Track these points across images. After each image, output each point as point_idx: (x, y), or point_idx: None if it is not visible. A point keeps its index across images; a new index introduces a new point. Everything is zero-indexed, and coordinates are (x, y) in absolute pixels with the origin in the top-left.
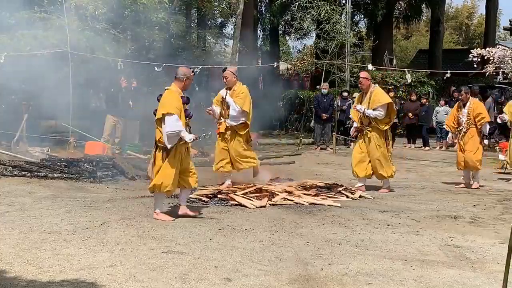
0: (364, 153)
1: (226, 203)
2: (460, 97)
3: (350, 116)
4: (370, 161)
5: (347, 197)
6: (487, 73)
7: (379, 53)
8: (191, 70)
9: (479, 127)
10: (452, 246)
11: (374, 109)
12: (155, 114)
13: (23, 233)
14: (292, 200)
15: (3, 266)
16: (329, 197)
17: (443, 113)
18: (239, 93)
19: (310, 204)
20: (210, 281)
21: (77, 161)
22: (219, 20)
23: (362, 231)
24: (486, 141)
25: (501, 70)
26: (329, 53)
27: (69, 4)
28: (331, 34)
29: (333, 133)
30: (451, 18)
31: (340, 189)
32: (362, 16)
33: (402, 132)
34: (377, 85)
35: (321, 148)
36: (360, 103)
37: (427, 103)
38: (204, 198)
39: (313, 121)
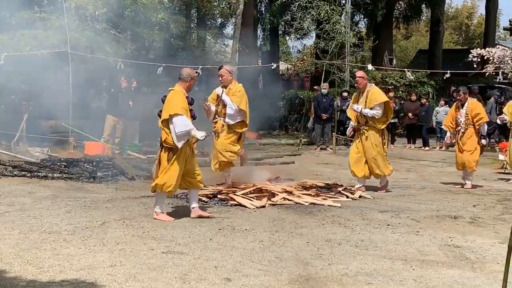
0: (360, 153)
1: (226, 203)
2: (458, 97)
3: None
4: (366, 161)
5: (347, 197)
6: (487, 73)
7: (379, 53)
8: (195, 70)
9: (477, 127)
10: (452, 246)
11: (371, 108)
12: (159, 116)
13: (23, 233)
14: (292, 200)
15: (3, 266)
16: (329, 197)
17: (443, 113)
18: (236, 92)
19: (310, 204)
20: (210, 281)
21: (77, 161)
22: (219, 20)
23: (362, 231)
24: (484, 141)
25: (501, 70)
26: (329, 53)
27: (69, 4)
28: (331, 34)
29: (333, 133)
30: (451, 18)
31: (340, 189)
32: (362, 16)
33: (402, 132)
34: (373, 84)
35: (321, 148)
36: (357, 103)
37: (427, 103)
38: (204, 198)
39: (310, 122)
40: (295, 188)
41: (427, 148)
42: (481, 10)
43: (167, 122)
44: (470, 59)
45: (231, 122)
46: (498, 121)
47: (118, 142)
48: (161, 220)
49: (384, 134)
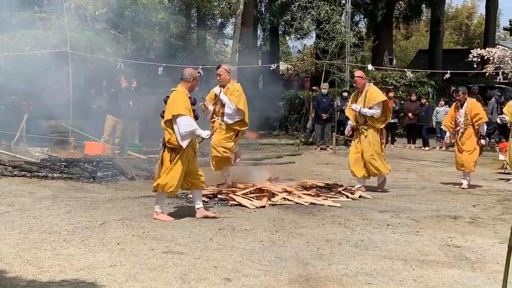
0: (359, 153)
1: (226, 203)
2: (457, 98)
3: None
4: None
5: (347, 197)
6: (487, 73)
7: (379, 53)
8: (197, 71)
9: (476, 127)
10: (452, 246)
11: (370, 108)
12: (162, 116)
13: (23, 233)
14: (292, 200)
15: (3, 266)
16: (329, 197)
17: (443, 113)
18: (234, 91)
19: (310, 204)
20: (210, 281)
21: (77, 161)
22: (219, 20)
23: (362, 231)
24: (483, 141)
25: (501, 70)
26: (329, 53)
27: (69, 4)
28: (331, 34)
29: (333, 133)
30: (451, 18)
31: (340, 189)
32: (362, 16)
33: (402, 132)
34: (372, 83)
35: (321, 148)
36: (355, 102)
37: (427, 103)
38: (204, 198)
39: (309, 123)
40: (295, 188)
41: (427, 148)
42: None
43: (170, 123)
44: (470, 59)
45: (230, 122)
46: (498, 121)
47: (118, 142)
48: (161, 220)
49: (383, 133)
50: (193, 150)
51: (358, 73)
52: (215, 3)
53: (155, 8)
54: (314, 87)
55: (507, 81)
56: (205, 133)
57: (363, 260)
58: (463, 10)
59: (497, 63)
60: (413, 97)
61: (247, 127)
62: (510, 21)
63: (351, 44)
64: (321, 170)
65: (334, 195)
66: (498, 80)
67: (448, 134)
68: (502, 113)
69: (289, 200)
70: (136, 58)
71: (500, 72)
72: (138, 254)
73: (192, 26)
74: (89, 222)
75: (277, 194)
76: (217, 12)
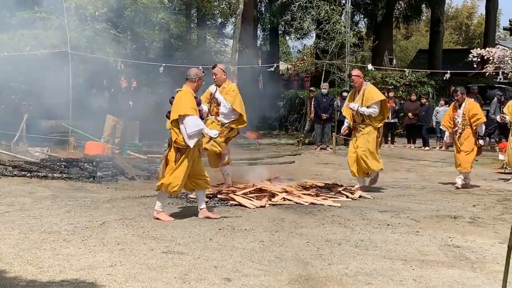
0: (357, 152)
1: (226, 203)
2: (456, 98)
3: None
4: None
5: (347, 197)
6: (487, 73)
7: (379, 53)
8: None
9: (474, 128)
10: (452, 246)
11: (368, 107)
12: (167, 117)
13: (23, 233)
14: (292, 200)
15: (3, 266)
16: (329, 197)
17: (443, 113)
18: (229, 91)
19: (310, 204)
20: (210, 281)
21: (77, 161)
22: (219, 20)
23: (362, 231)
24: (482, 142)
25: (501, 70)
26: (329, 53)
27: (69, 4)
28: (331, 34)
29: (333, 133)
30: (451, 18)
31: (340, 189)
32: (362, 16)
33: (402, 132)
34: (369, 82)
35: (321, 148)
36: (353, 101)
37: (427, 103)
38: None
39: (307, 124)
40: (295, 188)
41: (427, 148)
42: (481, 10)
43: (176, 122)
44: (470, 59)
45: (225, 121)
46: (498, 119)
47: (118, 142)
48: (161, 219)
49: (380, 131)
50: (199, 151)
51: (355, 72)
52: (215, 3)
53: (155, 8)
54: (311, 88)
55: (507, 81)
56: (212, 133)
57: (363, 260)
58: (463, 10)
59: (497, 63)
60: (413, 97)
61: (245, 125)
62: (510, 21)
63: (351, 44)
64: (321, 170)
65: (334, 195)
66: (498, 80)
67: (447, 133)
68: (503, 113)
69: (289, 200)
70: (136, 58)
71: (500, 72)
72: (138, 254)
73: (192, 26)
74: (89, 222)
75: (277, 194)
76: (217, 12)
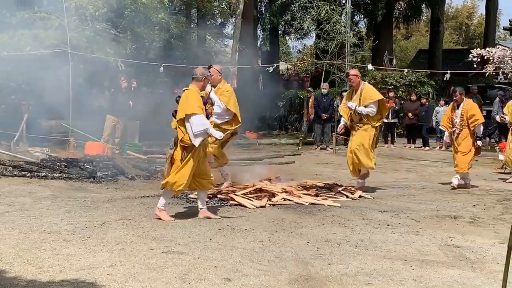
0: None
1: (226, 203)
2: (454, 98)
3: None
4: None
5: (347, 197)
6: (487, 73)
7: (379, 53)
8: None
9: (472, 128)
10: (452, 246)
11: (365, 106)
12: (173, 116)
13: (23, 233)
14: (292, 200)
15: (3, 266)
16: (329, 197)
17: (443, 113)
18: (224, 91)
19: (310, 204)
20: (210, 281)
21: (77, 161)
22: (219, 20)
23: (362, 231)
24: (480, 143)
25: (501, 70)
26: (329, 53)
27: (69, 4)
28: (331, 34)
29: (333, 133)
30: (451, 18)
31: (340, 189)
32: (362, 16)
33: (402, 132)
34: (366, 82)
35: (321, 148)
36: (350, 100)
37: (427, 103)
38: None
39: (304, 125)
40: (295, 188)
41: (427, 148)
42: (481, 10)
43: (182, 121)
44: (470, 59)
45: (218, 121)
46: (498, 119)
47: (118, 142)
48: (161, 218)
49: (377, 130)
50: (204, 151)
51: (353, 71)
52: (215, 3)
53: (155, 8)
54: (309, 88)
55: (507, 81)
56: (218, 134)
57: (363, 260)
58: (463, 10)
59: (497, 63)
60: (413, 97)
61: (239, 125)
62: (510, 21)
63: (351, 44)
64: (321, 170)
65: (334, 195)
66: (498, 80)
67: (447, 133)
68: (503, 113)
69: (289, 200)
70: (136, 58)
71: (500, 72)
72: (138, 254)
73: (192, 26)
74: (89, 222)
75: (277, 194)
76: (217, 12)
